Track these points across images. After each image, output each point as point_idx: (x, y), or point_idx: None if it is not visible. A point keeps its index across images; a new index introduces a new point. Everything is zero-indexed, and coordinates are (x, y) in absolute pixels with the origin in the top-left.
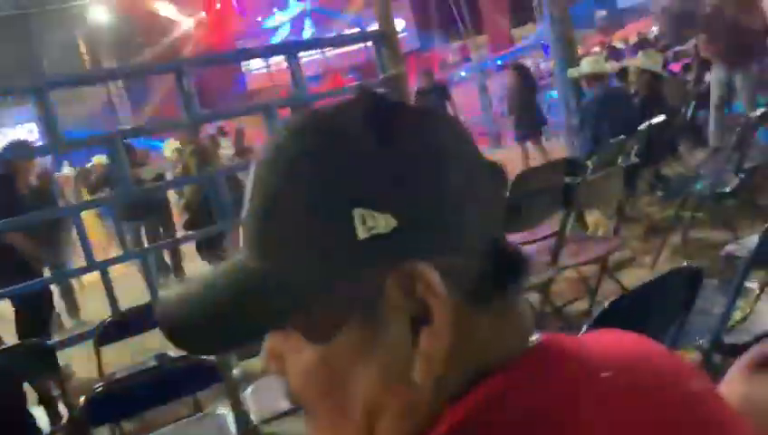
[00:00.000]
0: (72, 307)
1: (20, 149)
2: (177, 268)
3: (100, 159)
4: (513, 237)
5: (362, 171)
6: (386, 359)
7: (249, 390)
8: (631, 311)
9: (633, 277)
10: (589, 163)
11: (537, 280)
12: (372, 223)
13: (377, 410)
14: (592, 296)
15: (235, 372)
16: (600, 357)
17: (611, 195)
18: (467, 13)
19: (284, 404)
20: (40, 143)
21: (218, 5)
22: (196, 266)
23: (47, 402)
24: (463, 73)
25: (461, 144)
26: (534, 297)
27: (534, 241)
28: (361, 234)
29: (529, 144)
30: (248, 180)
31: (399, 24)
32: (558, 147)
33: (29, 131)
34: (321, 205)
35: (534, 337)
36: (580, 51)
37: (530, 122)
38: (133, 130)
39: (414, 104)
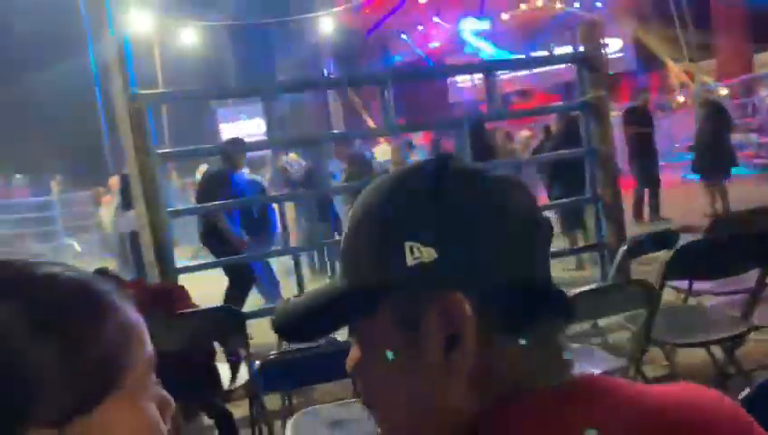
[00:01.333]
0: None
1: (238, 145)
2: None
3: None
4: (705, 285)
5: (417, 215)
6: (423, 369)
7: None
8: None
9: None
10: None
11: (721, 336)
12: (418, 254)
13: (417, 410)
14: None
15: None
16: (636, 408)
17: None
18: (695, 34)
19: None
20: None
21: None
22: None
23: (232, 362)
24: (682, 99)
25: (508, 201)
26: (720, 355)
27: (727, 293)
28: (409, 261)
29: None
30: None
31: (617, 44)
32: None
33: (257, 126)
34: (385, 238)
35: (579, 373)
36: None
37: (714, 162)
38: (336, 135)
39: (475, 167)
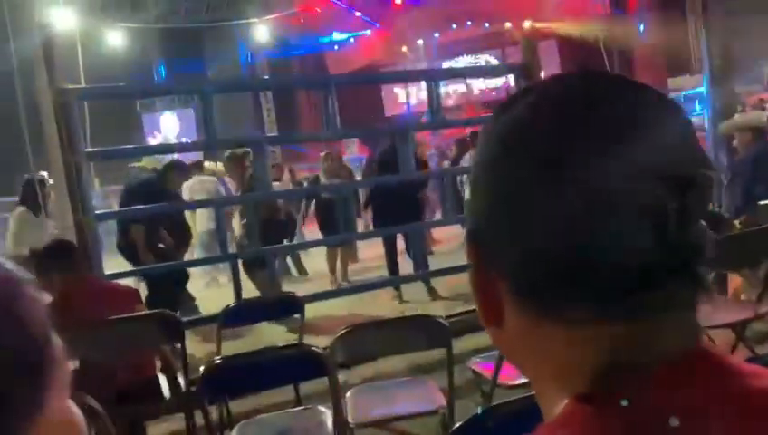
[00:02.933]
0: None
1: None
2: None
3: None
4: None
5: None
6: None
7: (350, 393)
8: None
9: None
10: (737, 222)
11: None
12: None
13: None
14: None
15: (341, 375)
16: (744, 389)
17: (759, 259)
18: (617, 57)
19: (381, 412)
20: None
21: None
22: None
23: (169, 371)
24: None
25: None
26: None
27: None
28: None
29: None
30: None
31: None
32: None
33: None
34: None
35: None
36: (739, 107)
37: None
38: (276, 138)
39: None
